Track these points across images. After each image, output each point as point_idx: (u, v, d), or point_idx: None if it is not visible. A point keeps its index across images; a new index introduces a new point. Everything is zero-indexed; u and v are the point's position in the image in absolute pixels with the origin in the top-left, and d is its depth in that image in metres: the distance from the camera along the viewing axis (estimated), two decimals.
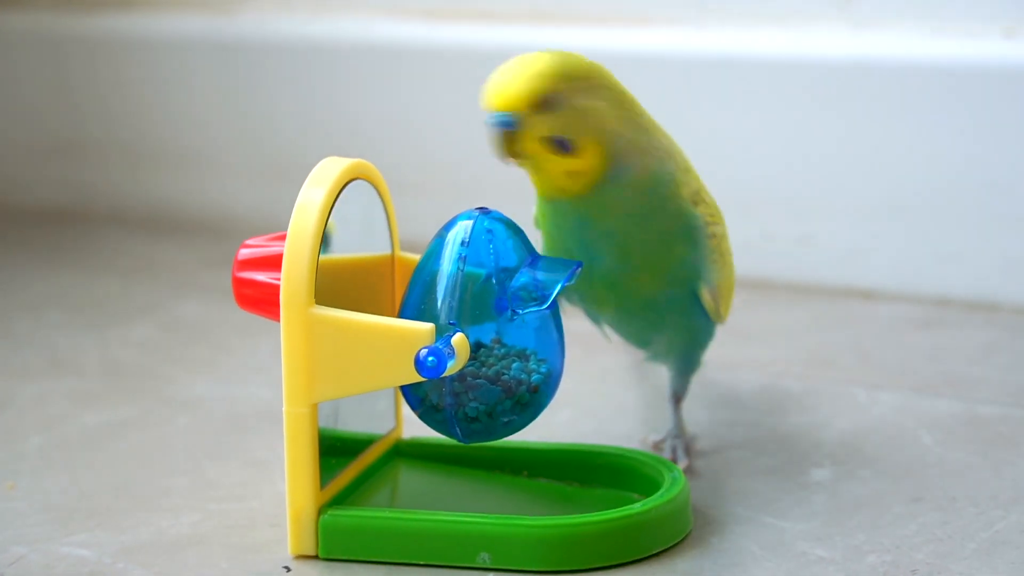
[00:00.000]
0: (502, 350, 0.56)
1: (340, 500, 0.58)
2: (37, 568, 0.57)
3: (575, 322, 0.73)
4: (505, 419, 0.56)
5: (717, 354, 0.80)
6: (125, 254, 1.05)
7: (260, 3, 1.08)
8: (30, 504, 0.63)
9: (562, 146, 0.57)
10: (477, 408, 0.56)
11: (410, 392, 0.57)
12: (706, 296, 0.61)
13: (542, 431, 0.66)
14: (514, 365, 0.56)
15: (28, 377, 0.79)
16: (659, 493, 0.57)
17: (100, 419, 0.73)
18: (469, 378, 0.56)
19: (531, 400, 0.56)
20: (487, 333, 0.56)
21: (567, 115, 0.56)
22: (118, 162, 1.14)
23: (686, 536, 0.57)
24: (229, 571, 0.56)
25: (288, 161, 1.06)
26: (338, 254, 0.57)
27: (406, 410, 0.62)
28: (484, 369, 0.56)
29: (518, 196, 0.98)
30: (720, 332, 0.87)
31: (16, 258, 1.04)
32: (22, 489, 0.64)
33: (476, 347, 0.56)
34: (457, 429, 0.57)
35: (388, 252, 0.61)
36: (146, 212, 1.13)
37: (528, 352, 0.56)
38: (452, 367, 0.54)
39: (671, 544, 0.57)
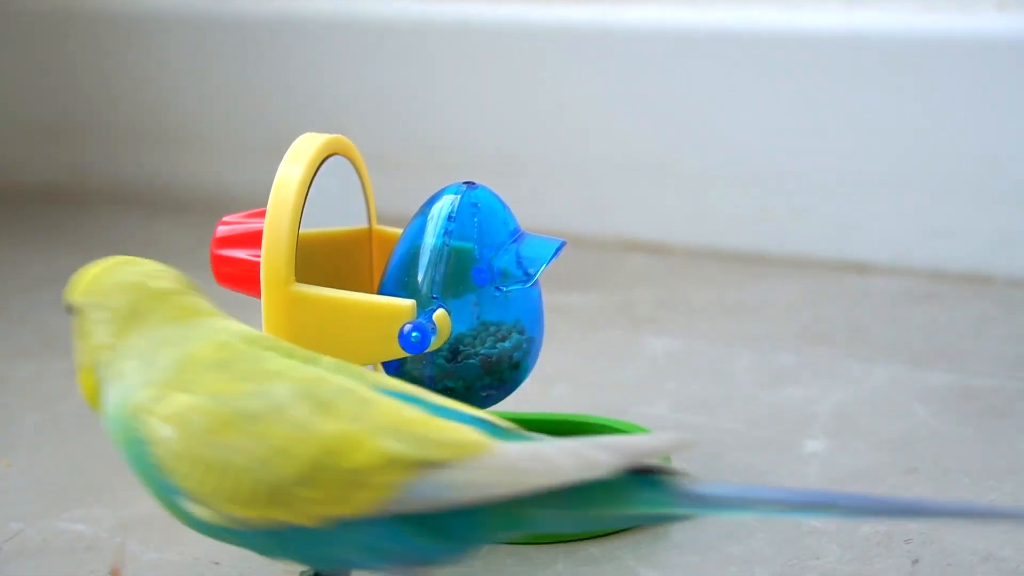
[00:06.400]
0: (485, 334, 0.56)
1: None
2: (34, 544, 0.57)
3: (571, 297, 0.73)
4: (484, 392, 0.56)
5: (712, 327, 0.80)
6: (121, 232, 1.05)
7: None
8: (26, 481, 0.63)
9: None
10: (455, 384, 0.56)
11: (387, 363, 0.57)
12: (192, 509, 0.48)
13: (537, 404, 0.66)
14: (498, 345, 0.56)
15: (24, 356, 0.79)
16: None
17: None
18: (454, 357, 0.56)
19: (510, 377, 0.57)
20: (468, 307, 0.55)
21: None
22: (113, 141, 1.14)
23: None
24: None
25: (282, 138, 1.06)
26: (316, 229, 0.57)
27: None
28: (467, 349, 0.56)
29: (501, 172, 0.98)
30: (715, 306, 0.87)
31: (11, 237, 1.04)
32: (18, 466, 0.64)
33: (457, 341, 0.55)
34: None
35: (366, 226, 0.61)
36: (141, 190, 1.13)
37: (509, 327, 0.56)
38: (435, 342, 0.54)
39: None
